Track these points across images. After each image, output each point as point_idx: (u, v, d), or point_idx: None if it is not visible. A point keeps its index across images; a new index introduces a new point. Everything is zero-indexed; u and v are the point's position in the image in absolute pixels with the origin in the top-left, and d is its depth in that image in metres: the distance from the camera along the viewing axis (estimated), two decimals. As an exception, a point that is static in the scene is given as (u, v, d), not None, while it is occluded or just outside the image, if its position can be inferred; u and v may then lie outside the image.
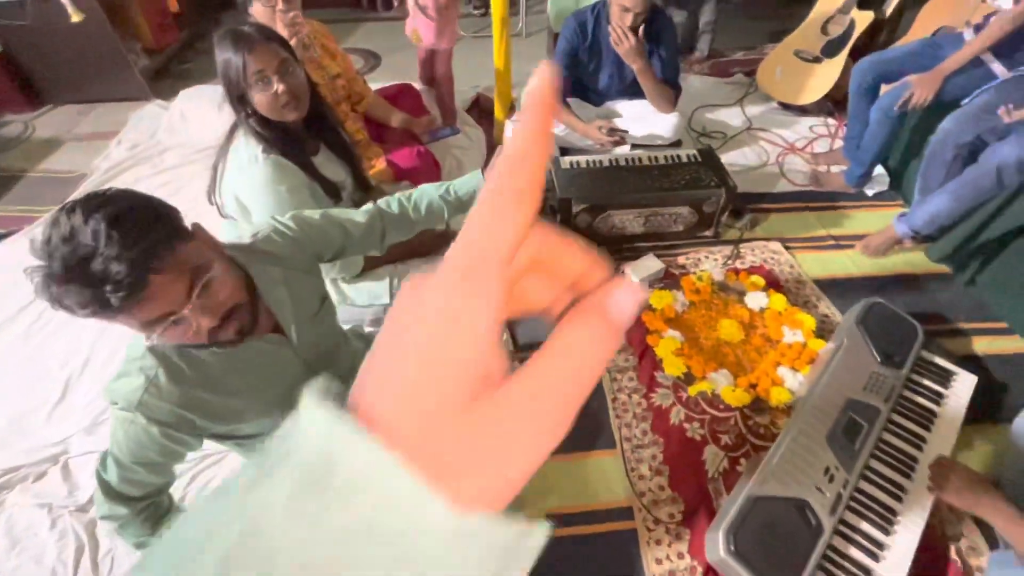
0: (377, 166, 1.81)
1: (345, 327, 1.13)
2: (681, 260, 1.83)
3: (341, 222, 1.01)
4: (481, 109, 2.62)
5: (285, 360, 0.88)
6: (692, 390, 1.41)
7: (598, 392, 1.46)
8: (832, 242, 1.90)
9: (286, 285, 0.87)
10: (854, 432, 1.24)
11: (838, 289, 1.72)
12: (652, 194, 1.77)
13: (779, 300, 1.59)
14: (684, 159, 1.87)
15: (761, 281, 1.66)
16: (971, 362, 1.52)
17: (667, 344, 1.49)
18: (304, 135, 1.32)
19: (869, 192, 2.10)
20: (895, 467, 1.23)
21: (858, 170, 2.03)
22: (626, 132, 2.06)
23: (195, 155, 2.36)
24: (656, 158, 1.88)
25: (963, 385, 1.38)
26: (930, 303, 1.68)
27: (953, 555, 1.15)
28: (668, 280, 1.73)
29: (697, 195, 1.77)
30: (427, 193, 1.12)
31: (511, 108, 2.33)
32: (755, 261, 1.82)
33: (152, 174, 2.30)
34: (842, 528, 1.12)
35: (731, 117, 2.55)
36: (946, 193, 1.63)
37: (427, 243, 1.66)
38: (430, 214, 1.12)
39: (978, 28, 1.73)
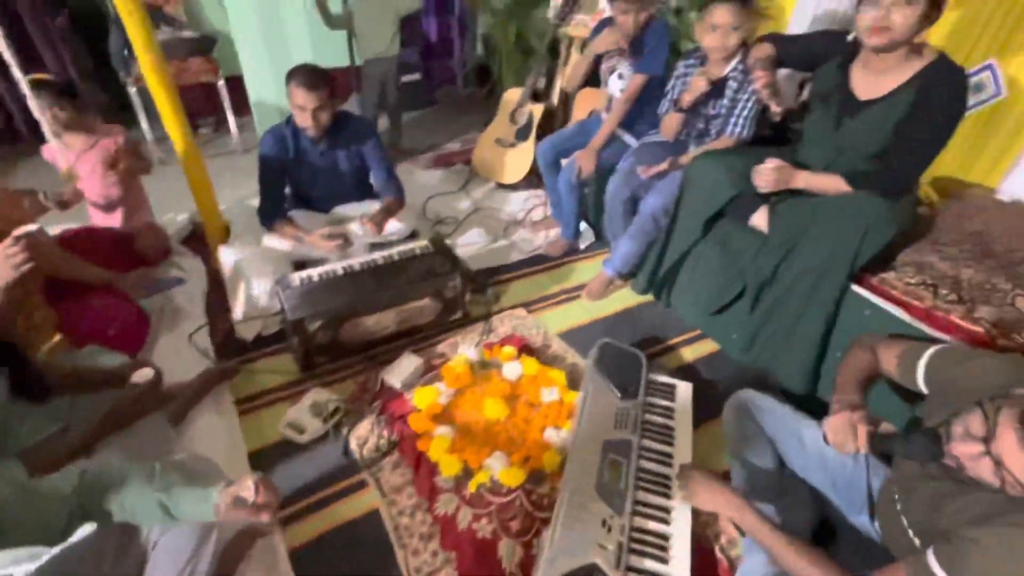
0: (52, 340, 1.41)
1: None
2: (440, 349, 1.82)
3: None
4: (199, 236, 2.33)
5: None
6: (472, 485, 1.35)
7: (379, 534, 1.29)
8: (564, 296, 2.13)
9: None
10: (616, 473, 1.32)
11: (578, 337, 1.90)
12: (392, 293, 1.74)
13: (531, 364, 1.67)
14: (418, 252, 1.91)
15: (512, 350, 1.73)
16: (686, 371, 1.80)
17: (439, 444, 1.42)
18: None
19: (582, 246, 2.45)
20: (656, 492, 1.33)
21: (567, 230, 2.35)
22: (348, 236, 2.02)
23: None
24: (391, 256, 1.87)
25: (684, 393, 1.61)
26: (646, 329, 1.97)
27: (718, 553, 1.27)
28: (430, 373, 1.69)
29: (435, 284, 1.80)
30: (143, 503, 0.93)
31: (226, 231, 2.11)
32: (507, 331, 1.91)
33: None
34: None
35: (459, 202, 2.75)
36: (627, 238, 1.98)
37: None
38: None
39: (609, 112, 2.21)
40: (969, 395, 0.87)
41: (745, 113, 1.77)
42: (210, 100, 3.28)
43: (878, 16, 1.28)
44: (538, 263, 2.32)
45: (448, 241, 2.40)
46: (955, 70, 1.33)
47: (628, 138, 2.16)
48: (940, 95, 1.31)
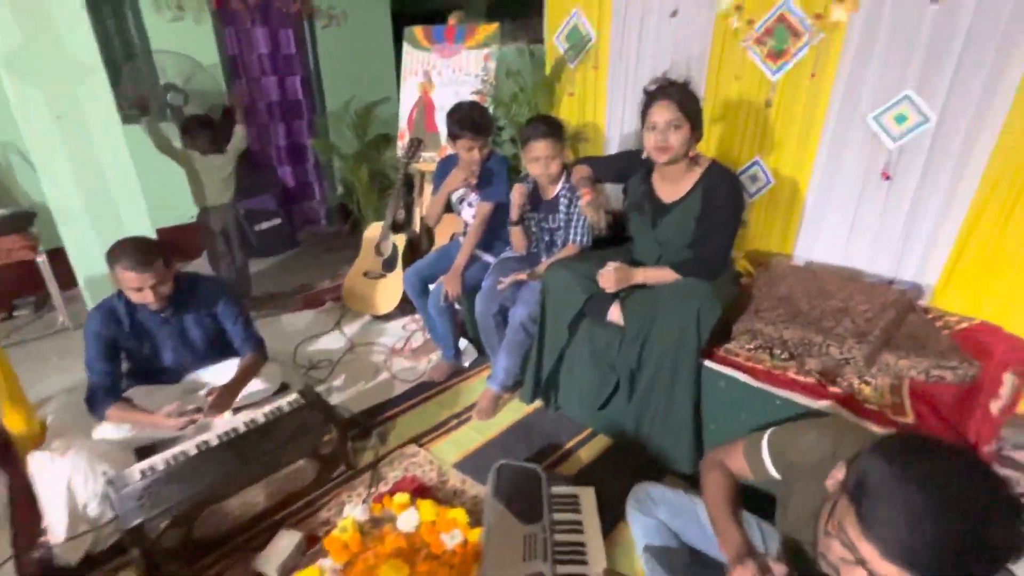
0: None
1: None
2: (323, 515, 1.62)
3: None
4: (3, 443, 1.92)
5: None
6: None
7: None
8: (455, 421, 2.06)
9: None
10: (534, 614, 1.21)
11: (475, 463, 1.82)
12: (258, 465, 1.54)
13: (427, 509, 1.54)
14: (287, 408, 1.75)
15: (405, 497, 1.59)
16: (586, 474, 1.78)
17: (330, 639, 1.20)
18: None
19: (466, 364, 2.44)
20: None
21: (448, 351, 2.34)
22: (203, 407, 1.80)
23: None
24: (254, 420, 1.69)
25: (588, 501, 1.58)
26: (542, 437, 1.95)
27: None
28: (314, 548, 1.48)
29: (309, 442, 1.64)
30: None
31: (42, 430, 1.78)
32: (397, 475, 1.77)
33: None
34: None
35: (333, 342, 2.64)
36: (503, 351, 2.02)
37: None
38: None
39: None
40: (807, 474, 0.94)
41: (581, 224, 1.99)
42: (31, 278, 2.92)
43: (658, 139, 1.58)
44: (425, 391, 2.25)
45: (325, 386, 2.26)
46: (726, 171, 1.65)
47: (487, 257, 2.29)
48: (720, 191, 1.60)
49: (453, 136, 2.11)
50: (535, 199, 2.04)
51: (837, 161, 2.01)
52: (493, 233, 2.29)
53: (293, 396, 1.81)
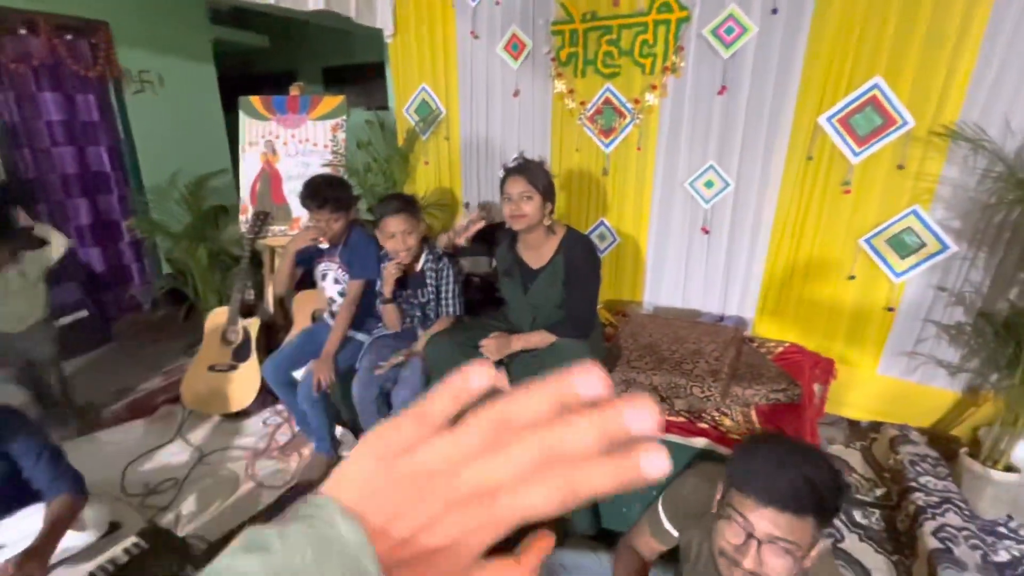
0: None
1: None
2: None
3: None
4: None
5: None
6: None
7: None
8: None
9: None
10: None
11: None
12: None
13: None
14: (123, 558, 1.41)
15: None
16: (493, 549, 1.72)
17: None
18: None
19: (345, 454, 2.23)
20: None
21: (323, 444, 2.12)
22: None
23: None
24: (77, 585, 1.33)
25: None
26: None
27: None
28: None
29: (160, 597, 1.33)
30: None
31: None
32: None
33: None
34: None
35: (177, 455, 2.23)
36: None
37: None
38: None
39: (332, 314, 2.19)
40: (700, 518, 1.06)
41: (451, 295, 2.01)
42: None
43: (512, 208, 1.71)
44: (300, 494, 1.99)
45: (171, 514, 1.88)
46: (580, 236, 1.83)
47: (360, 336, 2.17)
48: (579, 254, 1.75)
49: (308, 209, 2.01)
50: (401, 276, 2.00)
51: (667, 219, 2.34)
52: (364, 310, 2.18)
53: (130, 540, 1.47)
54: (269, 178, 3.00)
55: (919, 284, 1.97)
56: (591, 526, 1.68)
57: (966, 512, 1.72)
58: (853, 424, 2.25)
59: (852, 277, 2.05)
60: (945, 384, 2.04)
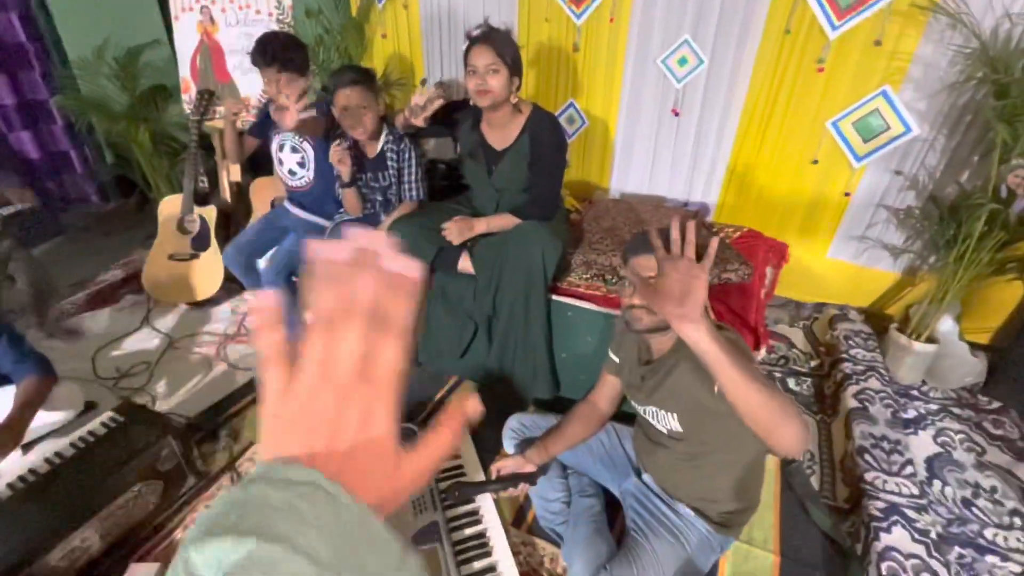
0: None
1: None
2: (180, 535, 1.44)
3: None
4: None
5: None
6: None
7: None
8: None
9: None
10: (435, 563, 1.27)
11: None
12: (78, 506, 1.29)
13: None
14: (99, 430, 1.47)
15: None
16: (459, 419, 1.86)
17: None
18: None
19: (315, 338, 2.28)
20: (478, 554, 1.33)
21: (296, 329, 2.16)
22: None
23: None
24: (61, 454, 1.40)
25: (466, 444, 1.66)
26: (411, 396, 1.95)
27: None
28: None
29: (142, 462, 1.42)
30: None
31: None
32: (261, 469, 1.64)
33: None
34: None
35: (144, 342, 2.25)
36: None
37: None
38: None
39: (291, 194, 2.13)
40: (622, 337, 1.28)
41: (413, 178, 1.94)
42: None
43: (478, 83, 1.61)
44: (272, 375, 2.06)
45: (147, 396, 1.94)
46: (547, 115, 1.75)
47: (322, 221, 2.12)
48: (545, 135, 1.69)
49: (257, 67, 1.87)
50: (358, 159, 1.91)
51: (637, 101, 2.25)
52: (325, 195, 2.12)
53: (106, 414, 1.52)
54: (209, 51, 2.72)
55: (877, 169, 2.00)
56: (548, 391, 1.80)
57: (886, 378, 1.91)
58: (800, 306, 2.40)
59: (815, 162, 2.06)
60: (887, 266, 2.16)
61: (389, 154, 1.91)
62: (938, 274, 1.93)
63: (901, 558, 1.27)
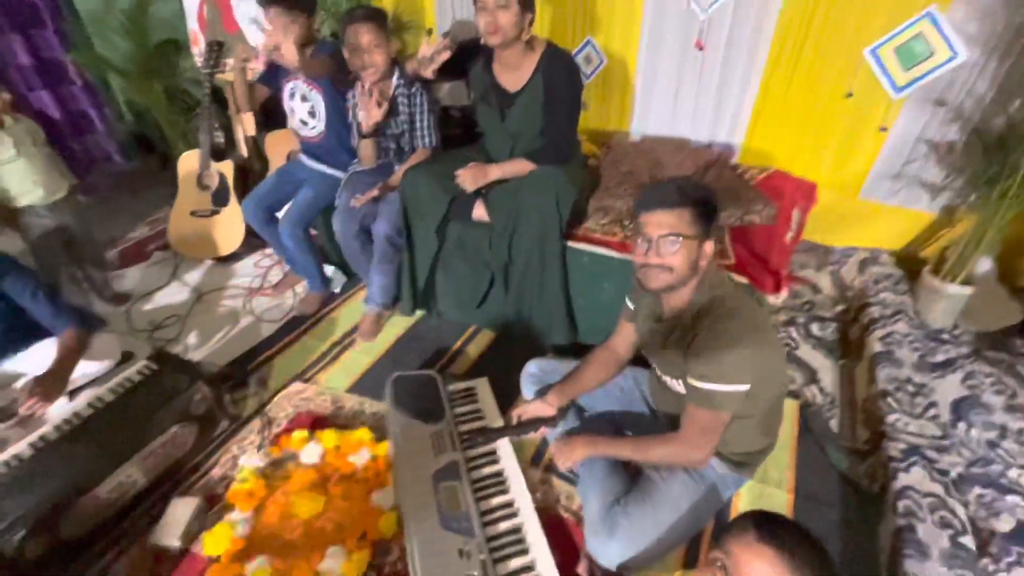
0: None
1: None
2: (217, 473, 1.53)
3: None
4: None
5: None
6: (316, 601, 1.19)
7: None
8: (338, 349, 2.00)
9: None
10: (454, 498, 1.32)
11: (369, 384, 1.82)
12: (121, 446, 1.38)
13: (329, 436, 1.53)
14: (137, 378, 1.55)
15: (303, 433, 1.56)
16: (478, 367, 1.89)
17: (258, 580, 1.21)
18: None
19: (337, 290, 2.33)
20: (497, 491, 1.38)
21: (314, 282, 2.20)
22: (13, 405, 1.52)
23: None
24: (99, 399, 1.48)
25: (484, 390, 1.69)
26: (430, 344, 1.99)
27: (562, 513, 1.39)
28: (216, 507, 1.41)
29: (177, 407, 1.49)
30: None
31: None
32: (290, 414, 1.71)
33: None
34: (501, 587, 1.16)
35: (175, 296, 2.33)
36: (375, 271, 1.96)
37: None
38: None
39: (310, 154, 2.12)
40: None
41: (426, 124, 1.89)
42: None
43: (487, 20, 1.52)
44: (296, 326, 2.13)
45: (179, 345, 2.03)
46: (562, 53, 1.66)
47: (337, 173, 2.11)
48: (559, 74, 1.62)
49: (261, 6, 1.83)
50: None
51: (659, 35, 2.12)
52: (339, 146, 2.10)
53: (142, 363, 1.60)
54: (215, 2, 2.66)
55: (917, 101, 1.86)
56: (565, 337, 1.81)
57: (915, 322, 1.86)
58: (828, 250, 2.31)
59: (850, 95, 1.93)
60: (923, 207, 2.05)
61: (401, 99, 1.86)
62: (979, 212, 1.83)
63: (918, 496, 1.27)
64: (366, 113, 1.79)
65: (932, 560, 1.14)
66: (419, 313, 2.12)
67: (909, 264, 2.11)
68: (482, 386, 1.70)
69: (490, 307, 1.95)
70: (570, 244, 1.70)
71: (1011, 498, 1.36)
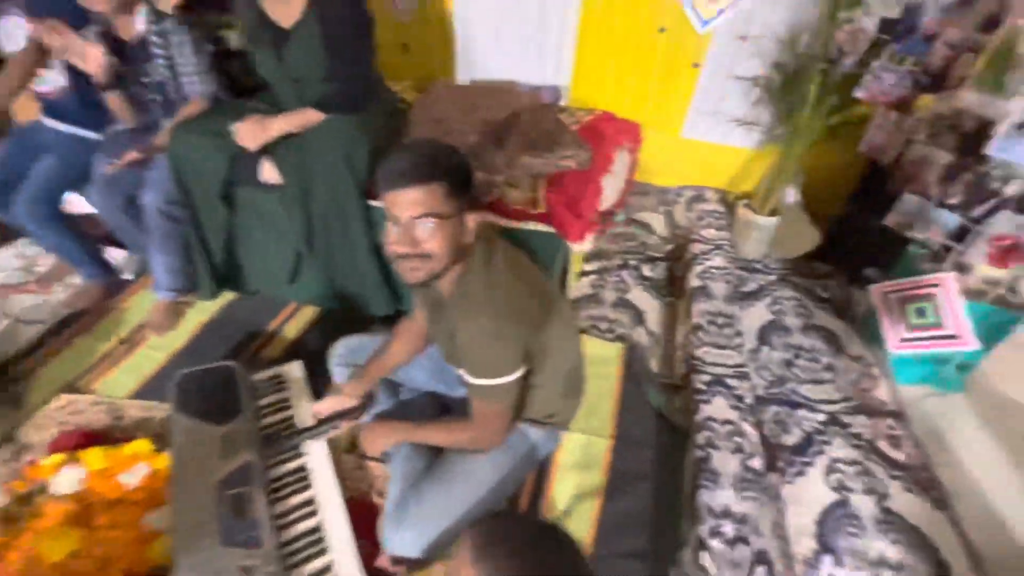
0: None
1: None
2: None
3: None
4: None
5: None
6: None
7: None
8: (125, 347, 1.69)
9: None
10: (242, 506, 1.14)
11: (161, 384, 1.52)
12: None
13: (94, 457, 1.28)
14: None
15: (58, 457, 1.28)
16: (296, 349, 1.68)
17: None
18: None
19: (129, 276, 1.96)
20: (298, 489, 1.23)
21: (89, 269, 1.82)
22: None
23: None
24: None
25: (295, 374, 1.50)
26: (242, 327, 1.74)
27: (375, 499, 1.28)
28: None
29: None
30: None
31: None
32: (50, 436, 1.41)
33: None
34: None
35: None
36: (155, 249, 1.64)
37: None
38: None
39: (53, 113, 1.70)
40: None
41: (191, 68, 1.56)
42: None
43: None
44: (70, 324, 1.76)
45: None
46: None
47: (91, 135, 1.71)
48: (335, 5, 1.38)
49: None
50: (113, 45, 1.49)
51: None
52: (90, 100, 1.69)
53: None
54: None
55: (724, 36, 1.88)
56: (383, 307, 1.66)
57: (731, 255, 1.94)
58: (664, 191, 2.35)
59: (663, 30, 1.90)
60: (739, 142, 2.12)
61: (152, 38, 1.51)
62: (783, 145, 1.92)
63: (717, 426, 1.32)
64: (82, 58, 1.43)
65: (723, 488, 1.19)
66: (228, 296, 1.85)
67: (732, 200, 2.20)
68: (294, 371, 1.51)
69: (306, 280, 1.74)
70: (373, 203, 1.52)
71: (800, 412, 1.48)
